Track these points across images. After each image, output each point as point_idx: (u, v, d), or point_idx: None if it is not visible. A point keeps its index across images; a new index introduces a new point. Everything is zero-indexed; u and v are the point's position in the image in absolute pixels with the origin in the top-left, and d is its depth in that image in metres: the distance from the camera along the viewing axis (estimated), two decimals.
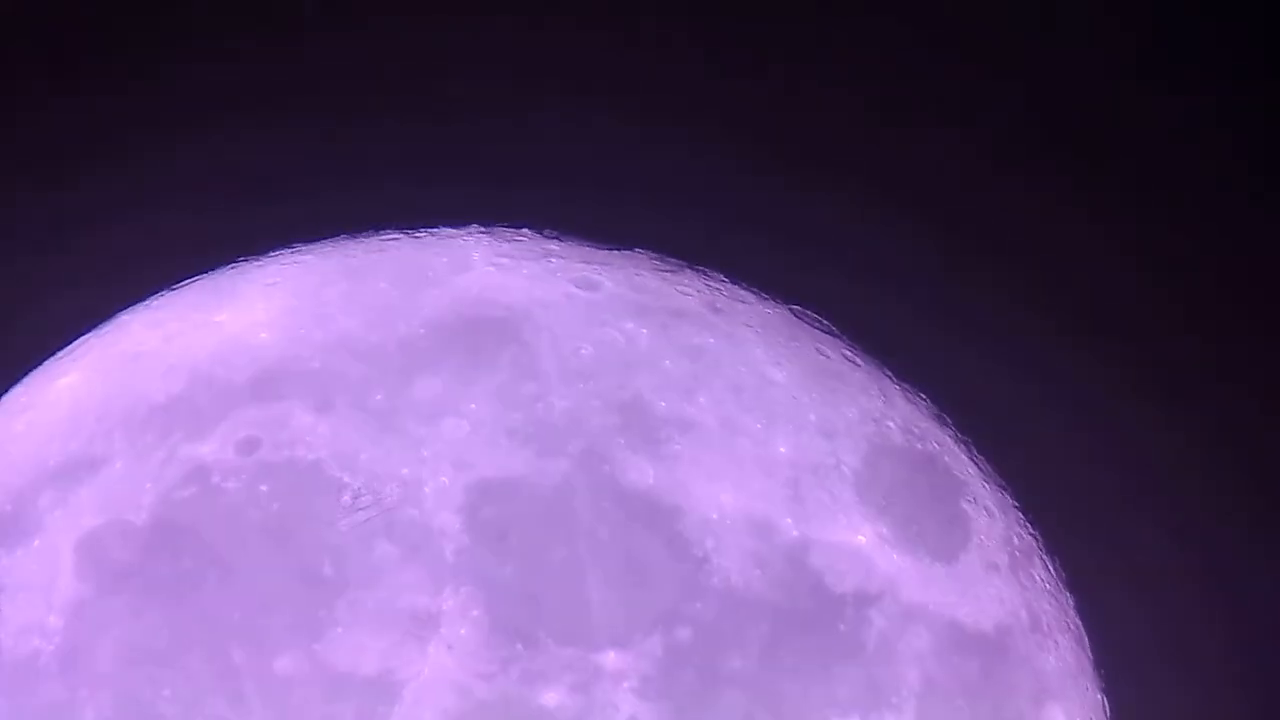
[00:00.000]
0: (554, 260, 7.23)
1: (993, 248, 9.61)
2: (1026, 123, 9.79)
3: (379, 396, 6.58)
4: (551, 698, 6.18)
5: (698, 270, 7.40)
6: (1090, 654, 7.33)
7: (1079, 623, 7.34)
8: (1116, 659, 7.44)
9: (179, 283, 7.48)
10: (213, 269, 7.49)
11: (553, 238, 7.41)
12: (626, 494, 6.44)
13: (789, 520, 6.57)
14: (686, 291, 7.22)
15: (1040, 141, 9.80)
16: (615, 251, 7.40)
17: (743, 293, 7.37)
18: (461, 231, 7.42)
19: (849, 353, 7.30)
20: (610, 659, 6.22)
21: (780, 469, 6.68)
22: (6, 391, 7.41)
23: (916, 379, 7.40)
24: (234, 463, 6.51)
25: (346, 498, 6.35)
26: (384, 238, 7.43)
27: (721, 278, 7.40)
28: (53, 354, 7.43)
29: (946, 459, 7.20)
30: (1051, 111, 9.81)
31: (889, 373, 7.34)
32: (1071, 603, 7.34)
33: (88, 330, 7.44)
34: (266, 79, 9.51)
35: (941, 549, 6.85)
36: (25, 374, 7.42)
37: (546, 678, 6.18)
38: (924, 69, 9.71)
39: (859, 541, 6.64)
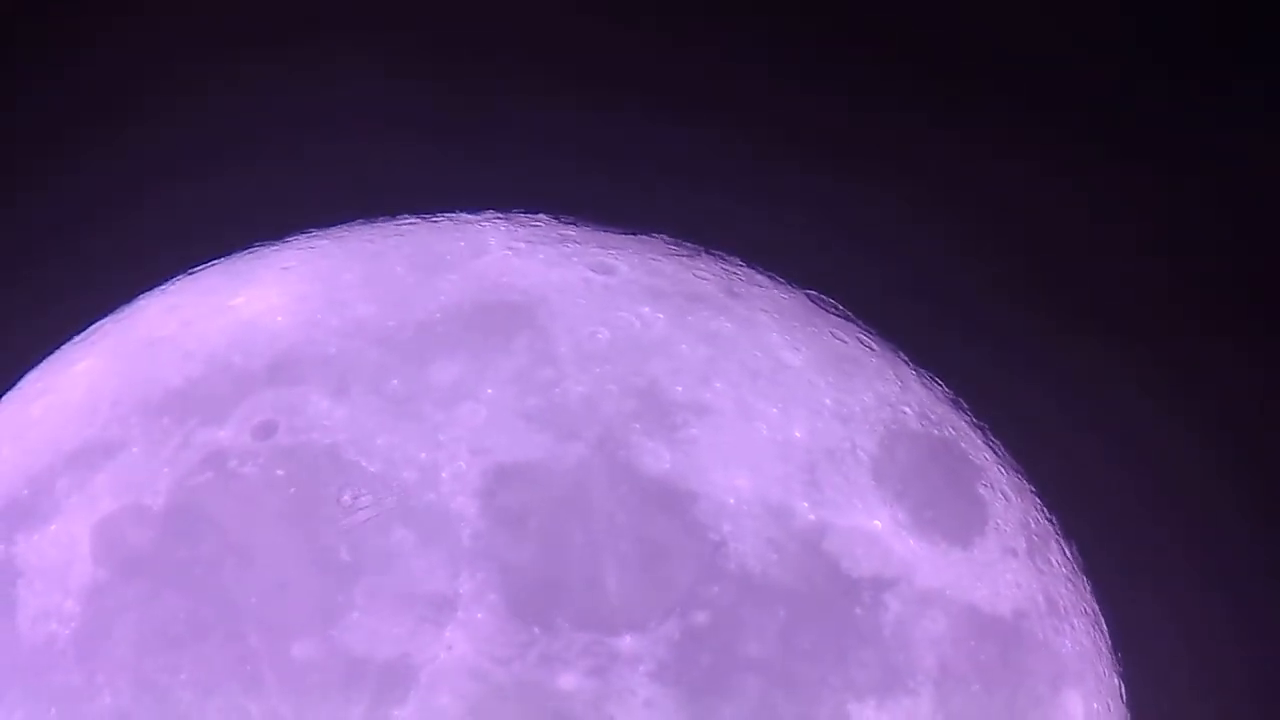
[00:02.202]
0: (570, 245, 7.23)
1: (1010, 234, 9.61)
2: (1041, 111, 9.78)
3: (395, 381, 6.58)
4: (568, 681, 6.18)
5: (714, 255, 7.40)
6: (1107, 638, 7.33)
7: (1096, 607, 7.33)
8: (1133, 643, 7.44)
9: (195, 268, 7.49)
10: (229, 254, 7.50)
11: (569, 222, 7.40)
12: (643, 479, 6.44)
13: (805, 505, 6.57)
14: (703, 276, 7.21)
15: (1054, 130, 9.78)
16: (631, 236, 7.40)
17: (759, 277, 7.36)
18: (478, 216, 7.42)
19: (865, 337, 7.30)
20: (627, 643, 6.23)
21: (796, 454, 6.68)
22: (23, 376, 7.42)
23: (932, 364, 7.40)
24: (250, 447, 6.51)
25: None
26: (400, 222, 7.43)
27: (738, 262, 7.40)
28: (69, 339, 7.44)
29: (963, 444, 7.20)
30: (1067, 101, 9.80)
31: (905, 357, 7.33)
32: (1088, 587, 7.34)
33: (104, 315, 7.45)
34: (282, 64, 9.51)
35: (958, 533, 6.84)
36: (42, 359, 7.43)
37: (563, 661, 6.18)
38: (941, 55, 9.70)
39: (875, 526, 6.64)
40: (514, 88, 9.52)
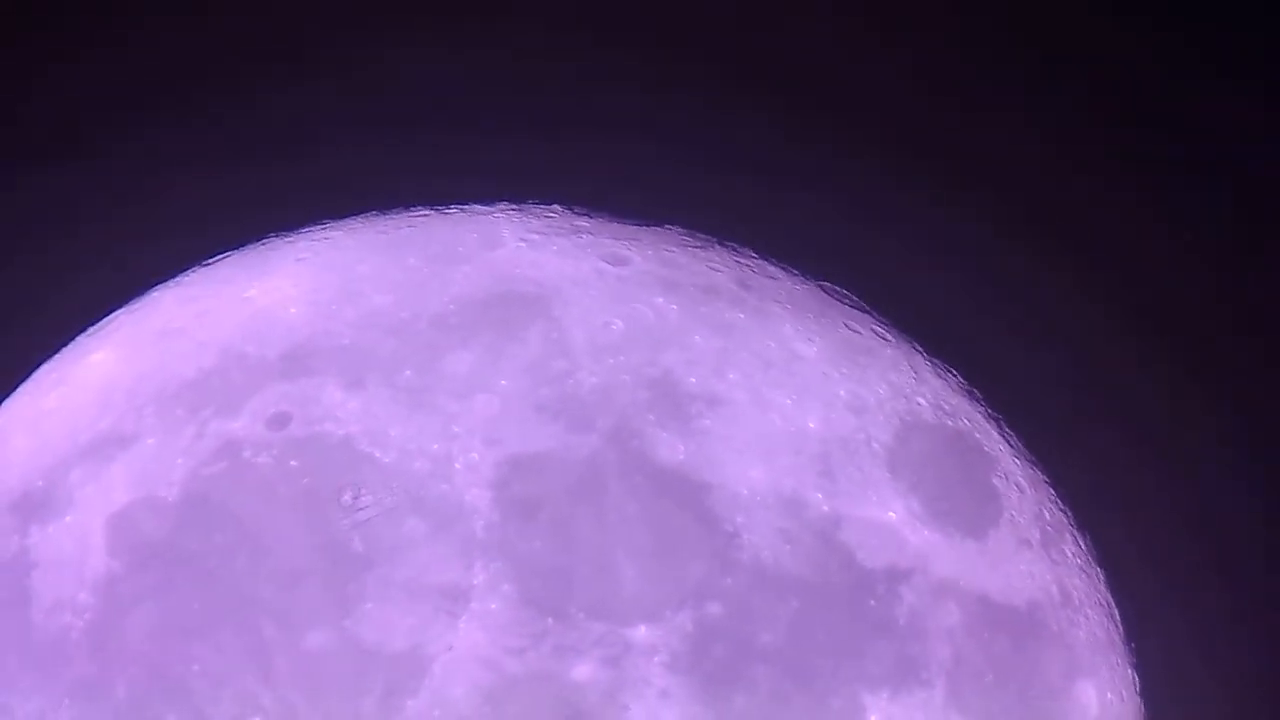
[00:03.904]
0: (584, 236, 7.23)
1: (1023, 225, 9.60)
2: (1055, 100, 9.77)
3: (409, 372, 6.58)
4: (582, 672, 6.18)
5: (727, 246, 7.40)
6: (1121, 629, 7.32)
7: (1109, 598, 7.33)
8: (1147, 634, 7.44)
9: (210, 259, 7.50)
10: (243, 245, 7.51)
11: (583, 214, 7.40)
12: (656, 469, 6.44)
13: (819, 496, 6.57)
14: (716, 267, 7.21)
15: (1070, 119, 9.78)
16: (645, 227, 7.40)
17: (772, 269, 7.36)
18: (491, 208, 7.43)
19: (879, 328, 7.29)
20: (641, 634, 6.23)
21: (810, 445, 6.68)
22: (38, 367, 7.43)
23: (947, 355, 7.39)
24: (264, 438, 6.52)
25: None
26: (414, 214, 7.43)
27: (751, 254, 7.39)
28: (84, 330, 7.45)
29: (977, 435, 7.20)
30: (1080, 89, 9.79)
31: (919, 348, 7.33)
32: (1102, 578, 7.33)
33: (119, 306, 7.46)
34: (295, 55, 9.52)
35: (972, 525, 6.84)
36: (57, 350, 7.44)
37: (577, 652, 6.19)
38: (954, 44, 9.69)
39: (890, 517, 6.64)
40: (528, 80, 9.53)
